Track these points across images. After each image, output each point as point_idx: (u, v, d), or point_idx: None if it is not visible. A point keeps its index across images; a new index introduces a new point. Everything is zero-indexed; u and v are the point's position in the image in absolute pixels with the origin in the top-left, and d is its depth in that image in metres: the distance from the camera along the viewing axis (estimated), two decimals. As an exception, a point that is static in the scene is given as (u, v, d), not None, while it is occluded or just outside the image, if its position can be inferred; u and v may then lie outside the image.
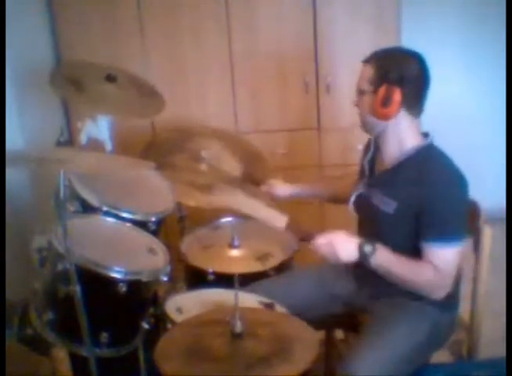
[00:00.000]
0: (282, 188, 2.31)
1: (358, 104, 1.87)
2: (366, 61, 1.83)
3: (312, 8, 3.03)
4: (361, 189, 1.96)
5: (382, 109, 1.77)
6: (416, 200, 1.75)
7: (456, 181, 1.77)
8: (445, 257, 1.74)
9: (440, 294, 1.78)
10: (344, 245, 1.77)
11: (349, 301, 1.98)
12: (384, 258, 1.76)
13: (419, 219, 1.76)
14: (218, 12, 3.02)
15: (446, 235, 1.74)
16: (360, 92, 1.84)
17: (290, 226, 2.01)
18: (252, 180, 2.38)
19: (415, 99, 1.80)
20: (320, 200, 2.54)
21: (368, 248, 1.75)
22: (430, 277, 1.75)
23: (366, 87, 1.81)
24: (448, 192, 1.74)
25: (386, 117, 1.79)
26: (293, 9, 3.04)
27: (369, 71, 1.80)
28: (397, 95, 1.75)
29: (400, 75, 1.75)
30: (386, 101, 1.76)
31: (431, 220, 1.74)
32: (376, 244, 1.76)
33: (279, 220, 1.99)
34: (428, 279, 1.76)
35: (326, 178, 2.89)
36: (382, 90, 1.76)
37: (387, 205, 1.82)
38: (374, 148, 1.97)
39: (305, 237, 2.01)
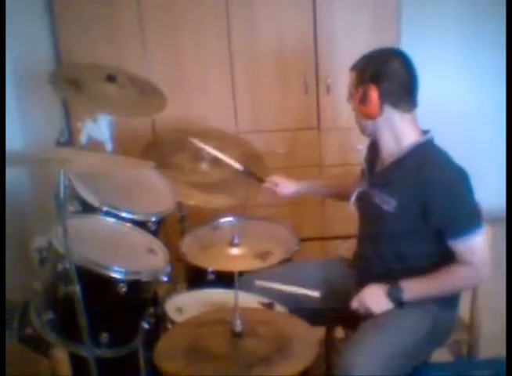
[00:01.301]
0: (286, 185, 2.30)
1: (353, 109, 1.91)
2: (351, 68, 1.88)
3: (312, 8, 3.03)
4: (362, 187, 1.96)
5: (362, 107, 1.82)
6: (417, 197, 1.76)
7: (458, 174, 1.78)
8: (474, 248, 1.77)
9: (483, 280, 1.84)
10: (374, 301, 1.80)
11: (349, 297, 1.98)
12: (413, 290, 1.79)
13: (431, 220, 1.77)
14: (218, 12, 3.02)
15: (467, 227, 1.76)
16: (349, 98, 1.90)
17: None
18: (254, 177, 2.38)
19: (399, 95, 1.81)
20: (322, 197, 2.54)
21: (395, 292, 1.78)
22: (466, 274, 1.78)
23: (352, 91, 1.86)
24: (452, 185, 1.76)
25: (370, 115, 1.83)
26: (293, 8, 3.04)
27: (353, 77, 1.86)
28: (373, 92, 1.78)
29: (373, 73, 1.79)
30: (363, 99, 1.80)
31: (448, 220, 1.77)
32: (399, 283, 1.79)
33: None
34: (464, 277, 1.79)
35: (329, 177, 2.89)
36: (359, 90, 1.81)
37: (388, 204, 1.82)
38: (374, 147, 1.97)
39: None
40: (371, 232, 1.95)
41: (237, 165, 2.38)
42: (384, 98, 1.79)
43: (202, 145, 2.41)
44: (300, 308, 1.82)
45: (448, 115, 3.44)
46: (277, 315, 1.81)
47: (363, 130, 1.91)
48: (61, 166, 1.71)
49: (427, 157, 1.80)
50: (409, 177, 1.79)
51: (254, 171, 2.39)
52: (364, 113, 1.83)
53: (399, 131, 1.84)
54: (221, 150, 2.44)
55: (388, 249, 1.88)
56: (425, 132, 1.86)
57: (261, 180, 2.36)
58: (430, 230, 1.79)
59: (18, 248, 2.51)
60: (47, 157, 1.78)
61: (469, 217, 1.78)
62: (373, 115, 1.82)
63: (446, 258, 1.79)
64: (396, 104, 1.81)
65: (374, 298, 1.80)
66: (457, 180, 1.78)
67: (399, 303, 1.79)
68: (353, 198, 1.98)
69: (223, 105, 3.15)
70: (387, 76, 1.79)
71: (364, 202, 1.95)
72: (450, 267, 1.78)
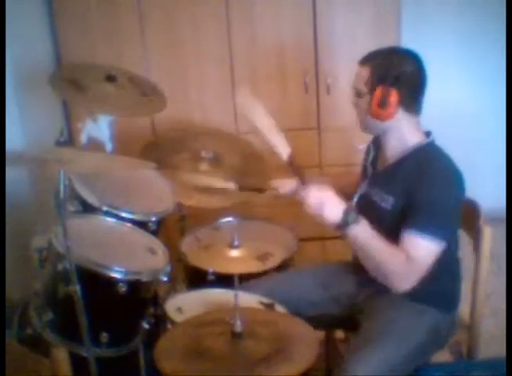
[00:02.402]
0: (287, 183, 2.29)
1: (355, 105, 1.88)
2: (362, 62, 1.83)
3: (312, 8, 3.02)
4: (363, 189, 1.96)
5: (379, 110, 1.78)
6: (411, 196, 1.75)
7: (454, 180, 1.77)
8: (419, 247, 1.70)
9: (405, 286, 1.73)
10: (331, 204, 1.72)
11: (348, 302, 1.98)
12: (363, 230, 1.72)
13: (409, 205, 1.74)
14: (218, 12, 3.02)
15: (426, 227, 1.70)
16: (357, 94, 1.85)
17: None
18: (253, 189, 2.37)
19: (412, 98, 1.80)
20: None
21: (352, 216, 1.72)
22: (402, 264, 1.70)
23: (363, 88, 1.81)
24: (442, 189, 1.74)
25: (384, 118, 1.80)
26: (293, 8, 3.04)
27: (365, 73, 1.80)
28: (394, 97, 1.75)
29: (396, 76, 1.75)
30: (382, 103, 1.76)
31: (416, 210, 1.73)
32: (360, 216, 1.73)
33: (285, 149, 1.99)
34: (399, 265, 1.71)
35: (331, 175, 2.89)
36: (378, 92, 1.76)
37: (386, 201, 1.82)
38: (376, 148, 1.97)
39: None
40: None
41: (230, 185, 2.35)
42: (401, 101, 1.77)
43: (191, 178, 2.32)
44: (299, 313, 1.81)
45: (448, 114, 3.45)
46: (277, 315, 1.81)
47: (370, 129, 1.89)
48: (61, 166, 1.71)
49: (427, 158, 1.79)
50: (407, 175, 1.78)
51: (251, 184, 2.36)
52: (379, 115, 1.79)
53: (405, 134, 1.83)
54: (222, 151, 2.44)
55: None
56: (426, 134, 1.86)
57: (261, 190, 2.34)
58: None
59: (18, 248, 2.51)
60: (47, 157, 1.78)
61: (436, 219, 1.72)
62: (387, 118, 1.79)
63: (444, 256, 1.78)
64: (408, 108, 1.80)
65: (333, 203, 1.72)
66: (450, 185, 1.76)
67: (343, 226, 1.71)
68: (355, 200, 1.98)
69: (223, 105, 3.15)
70: (408, 81, 1.77)
71: (364, 203, 1.95)
72: (399, 250, 1.71)
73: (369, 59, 1.82)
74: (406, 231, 1.73)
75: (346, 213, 1.72)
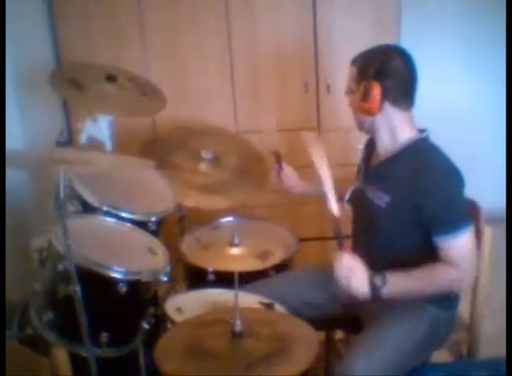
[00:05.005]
0: (295, 182, 2.32)
1: (350, 104, 1.91)
2: (352, 62, 1.88)
3: (312, 8, 3.03)
4: (356, 184, 1.97)
5: (363, 104, 1.81)
6: (410, 193, 1.76)
7: (451, 172, 1.78)
8: (457, 247, 1.74)
9: (467, 284, 1.79)
10: (359, 275, 1.74)
11: (348, 301, 1.98)
12: (397, 285, 1.75)
13: (420, 215, 1.76)
14: (218, 11, 3.02)
15: (453, 226, 1.74)
16: (349, 92, 1.89)
17: None
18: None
19: (400, 93, 1.82)
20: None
21: (378, 279, 1.74)
22: (449, 275, 1.74)
23: (352, 86, 1.86)
24: (444, 184, 1.75)
25: (370, 111, 1.82)
26: (293, 8, 3.04)
27: (354, 71, 1.85)
28: (375, 90, 1.78)
29: (378, 70, 1.79)
30: (365, 96, 1.79)
31: (435, 216, 1.75)
32: (386, 275, 1.74)
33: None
34: (447, 277, 1.75)
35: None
36: (362, 86, 1.80)
37: (380, 199, 1.83)
38: (371, 145, 1.98)
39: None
40: (365, 227, 1.95)
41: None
42: (386, 95, 1.79)
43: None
44: (299, 314, 1.81)
45: (447, 114, 3.45)
46: (277, 315, 1.81)
47: (360, 125, 1.91)
48: (61, 166, 1.71)
49: (421, 155, 1.80)
50: (402, 173, 1.79)
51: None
52: (364, 109, 1.83)
53: (396, 129, 1.84)
54: (222, 151, 2.44)
55: (382, 244, 1.88)
56: (421, 131, 1.87)
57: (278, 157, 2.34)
58: (422, 225, 1.78)
59: (18, 248, 2.51)
60: (47, 157, 1.78)
61: (456, 215, 1.76)
62: (373, 111, 1.82)
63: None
64: (396, 102, 1.82)
65: (359, 279, 1.74)
66: (450, 179, 1.77)
67: (375, 294, 1.74)
68: (347, 196, 1.99)
69: (223, 105, 3.15)
70: (390, 74, 1.79)
71: (358, 198, 1.96)
72: (434, 267, 1.75)
73: (357, 58, 1.87)
74: (438, 239, 1.75)
75: (372, 283, 1.73)
